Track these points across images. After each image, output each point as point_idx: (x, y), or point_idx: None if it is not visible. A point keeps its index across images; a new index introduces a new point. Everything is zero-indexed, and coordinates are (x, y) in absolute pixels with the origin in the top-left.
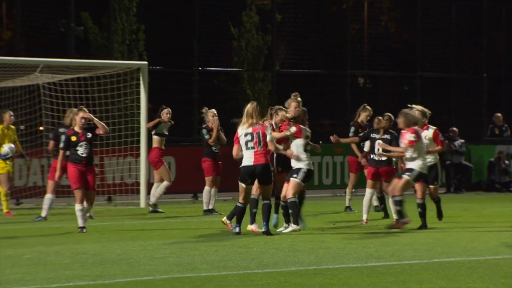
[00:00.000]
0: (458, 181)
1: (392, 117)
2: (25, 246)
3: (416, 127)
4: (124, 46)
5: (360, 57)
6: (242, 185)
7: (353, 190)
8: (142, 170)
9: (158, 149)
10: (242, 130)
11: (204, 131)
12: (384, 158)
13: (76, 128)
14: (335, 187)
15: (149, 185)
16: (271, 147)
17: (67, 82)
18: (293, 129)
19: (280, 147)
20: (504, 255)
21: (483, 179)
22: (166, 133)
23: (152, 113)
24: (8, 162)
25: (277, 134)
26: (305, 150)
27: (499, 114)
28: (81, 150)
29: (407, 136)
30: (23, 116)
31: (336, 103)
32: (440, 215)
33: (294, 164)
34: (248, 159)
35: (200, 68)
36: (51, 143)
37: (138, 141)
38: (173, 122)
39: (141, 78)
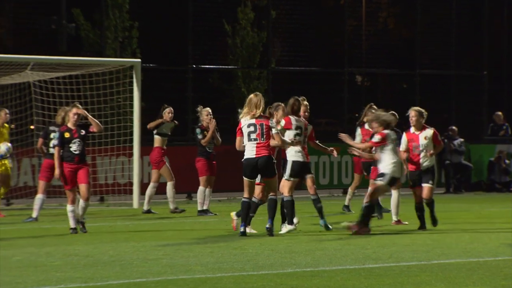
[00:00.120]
0: (457, 181)
1: (396, 114)
2: (16, 248)
3: (386, 131)
4: (116, 43)
5: (358, 54)
6: (246, 180)
7: (355, 191)
8: (135, 170)
9: (159, 149)
10: (246, 121)
11: (197, 130)
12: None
13: (70, 125)
14: (332, 187)
15: (142, 185)
16: (277, 140)
17: (59, 80)
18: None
19: (288, 140)
20: (504, 257)
21: (483, 179)
22: (168, 133)
23: (148, 112)
24: (4, 162)
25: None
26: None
27: (499, 113)
28: (74, 147)
29: (373, 137)
30: (13, 115)
31: (333, 101)
32: (434, 221)
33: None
34: (250, 151)
35: (194, 66)
36: (40, 140)
37: (131, 141)
38: (176, 122)
39: (134, 76)
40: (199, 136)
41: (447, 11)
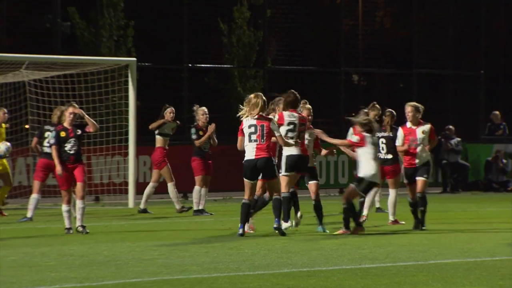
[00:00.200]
0: (454, 180)
1: (394, 113)
2: (10, 248)
3: (366, 134)
4: (112, 42)
5: (354, 54)
6: (246, 181)
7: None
8: (131, 170)
9: (162, 149)
10: (247, 121)
11: (192, 130)
12: (389, 157)
13: (66, 124)
14: (329, 187)
15: (138, 185)
16: (280, 142)
17: (54, 79)
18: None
19: (292, 142)
20: (501, 257)
21: (480, 178)
22: (170, 133)
23: (143, 111)
24: (3, 161)
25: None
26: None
27: (497, 112)
28: (68, 147)
29: (352, 137)
30: (8, 114)
31: (329, 101)
32: (421, 223)
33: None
34: (250, 152)
35: (190, 65)
36: (35, 140)
37: (127, 140)
38: (178, 122)
39: (129, 75)
40: (194, 136)
41: (444, 10)
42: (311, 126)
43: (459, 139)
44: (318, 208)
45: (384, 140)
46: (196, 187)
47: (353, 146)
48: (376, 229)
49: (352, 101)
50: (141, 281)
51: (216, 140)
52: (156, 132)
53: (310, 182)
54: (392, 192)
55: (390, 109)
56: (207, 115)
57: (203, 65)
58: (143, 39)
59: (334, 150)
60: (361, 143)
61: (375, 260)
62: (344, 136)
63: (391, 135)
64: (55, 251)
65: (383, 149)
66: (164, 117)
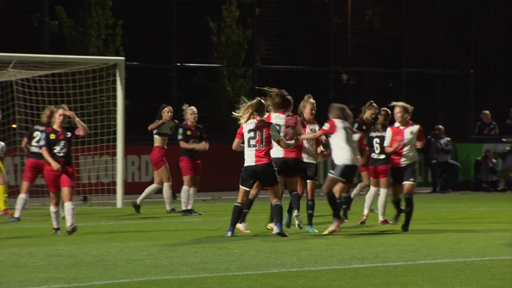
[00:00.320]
0: (444, 180)
1: (389, 111)
2: None
3: (335, 119)
4: (100, 41)
5: (343, 53)
6: (242, 188)
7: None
8: (119, 170)
9: (160, 148)
10: (247, 125)
11: (180, 130)
12: (382, 157)
13: (55, 126)
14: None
15: (126, 185)
16: (283, 146)
17: (41, 78)
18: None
19: (292, 142)
20: (491, 257)
21: (470, 178)
22: (168, 132)
23: (131, 111)
24: None
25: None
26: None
27: (487, 112)
28: (58, 149)
29: (323, 126)
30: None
31: (319, 100)
32: (405, 226)
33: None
34: (250, 158)
35: (178, 64)
36: (25, 140)
37: (115, 139)
38: (176, 122)
39: (117, 74)
40: (179, 137)
41: (434, 9)
42: (314, 121)
43: (448, 138)
44: (310, 208)
45: (378, 140)
46: (184, 187)
47: (326, 133)
48: (366, 229)
49: (342, 100)
50: (130, 282)
51: (207, 145)
52: (155, 131)
53: (307, 181)
54: (382, 192)
55: (385, 108)
56: (196, 115)
57: (192, 64)
58: (132, 38)
59: (325, 152)
60: (332, 129)
61: (364, 260)
62: None
63: (384, 134)
64: (43, 251)
65: (377, 148)
66: (162, 117)
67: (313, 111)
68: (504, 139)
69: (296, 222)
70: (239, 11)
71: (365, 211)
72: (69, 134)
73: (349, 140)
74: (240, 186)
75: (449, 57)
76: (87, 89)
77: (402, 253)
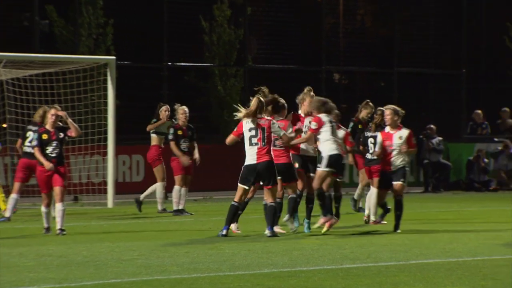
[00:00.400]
0: (436, 180)
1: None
2: None
3: (319, 115)
4: (90, 40)
5: (335, 52)
6: (240, 186)
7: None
8: (110, 169)
9: (157, 147)
10: (247, 124)
11: (171, 130)
12: (375, 157)
13: (48, 127)
14: None
15: (117, 185)
16: (285, 140)
17: (32, 78)
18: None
19: (293, 135)
20: (483, 257)
21: (461, 178)
22: (165, 131)
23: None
24: None
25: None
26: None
27: (479, 111)
28: (50, 150)
29: (311, 125)
30: None
31: None
32: (396, 226)
33: None
34: (251, 156)
35: (170, 63)
36: (19, 141)
37: (106, 139)
38: (174, 121)
39: (108, 74)
40: (170, 137)
41: (425, 9)
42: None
43: (440, 138)
44: (310, 202)
45: (372, 140)
46: (176, 187)
47: (316, 132)
48: (357, 229)
49: (333, 99)
50: (121, 282)
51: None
52: (151, 131)
53: (310, 175)
54: (374, 192)
55: (382, 108)
56: (187, 114)
57: (183, 64)
58: (123, 38)
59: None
60: (319, 126)
61: (356, 260)
62: None
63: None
64: (34, 251)
65: (371, 148)
66: (160, 116)
67: None
68: (496, 139)
69: (289, 225)
70: (230, 10)
71: (366, 211)
72: (61, 135)
73: (334, 133)
74: (239, 184)
75: (441, 56)
76: (77, 89)
77: (393, 253)
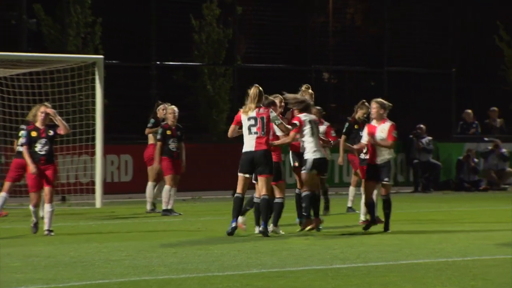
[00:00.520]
0: (426, 180)
1: None
2: None
3: (300, 115)
4: (78, 39)
5: (324, 51)
6: (240, 175)
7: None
8: (98, 169)
9: (154, 146)
10: (247, 113)
11: (159, 130)
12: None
13: (37, 124)
14: None
15: (105, 185)
16: (282, 129)
17: (19, 77)
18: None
19: (289, 127)
20: (473, 257)
21: (451, 177)
22: None
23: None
24: None
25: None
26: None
27: (469, 111)
28: (39, 147)
29: (292, 125)
30: None
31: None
32: (386, 226)
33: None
34: (249, 144)
35: (158, 63)
36: (15, 141)
37: (94, 139)
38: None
39: (96, 73)
40: (158, 137)
41: (415, 8)
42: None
43: (430, 138)
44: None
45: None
46: (166, 187)
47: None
48: (347, 230)
49: (323, 99)
50: (108, 283)
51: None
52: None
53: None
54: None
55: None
56: (176, 114)
57: (171, 63)
58: (111, 36)
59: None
60: (301, 125)
61: (346, 260)
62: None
63: None
64: (21, 252)
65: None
66: (157, 115)
67: (311, 103)
68: (486, 139)
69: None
70: (219, 9)
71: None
72: (51, 132)
73: (314, 133)
74: (239, 174)
75: (431, 56)
76: (65, 88)
77: (383, 253)
